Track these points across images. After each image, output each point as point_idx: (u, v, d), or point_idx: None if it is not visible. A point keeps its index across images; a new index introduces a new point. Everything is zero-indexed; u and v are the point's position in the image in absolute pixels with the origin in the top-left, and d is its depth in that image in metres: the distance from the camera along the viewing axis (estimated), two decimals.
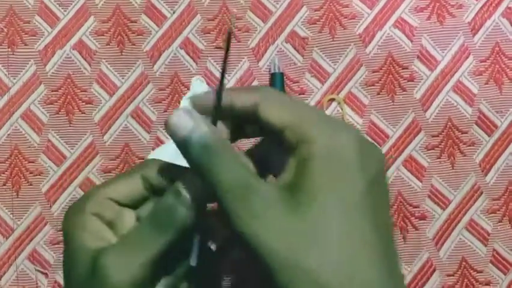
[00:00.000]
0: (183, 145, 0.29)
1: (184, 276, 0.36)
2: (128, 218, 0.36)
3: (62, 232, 0.35)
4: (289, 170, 0.29)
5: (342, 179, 0.28)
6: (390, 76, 0.50)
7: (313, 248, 0.26)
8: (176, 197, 0.31)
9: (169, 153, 0.48)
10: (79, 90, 0.50)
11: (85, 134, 0.50)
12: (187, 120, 0.30)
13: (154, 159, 0.36)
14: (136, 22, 0.51)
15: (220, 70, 0.31)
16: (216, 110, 0.31)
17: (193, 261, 0.31)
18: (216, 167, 0.28)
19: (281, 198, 0.28)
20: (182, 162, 0.45)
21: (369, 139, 0.49)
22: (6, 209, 0.49)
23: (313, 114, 0.30)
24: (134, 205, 0.36)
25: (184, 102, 0.50)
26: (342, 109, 0.50)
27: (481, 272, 0.49)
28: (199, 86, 0.50)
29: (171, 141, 0.47)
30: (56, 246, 0.49)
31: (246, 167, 0.29)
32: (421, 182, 0.49)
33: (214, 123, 0.31)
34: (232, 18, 0.50)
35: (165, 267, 0.32)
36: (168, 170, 0.34)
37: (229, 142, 0.32)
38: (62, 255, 0.35)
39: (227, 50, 0.30)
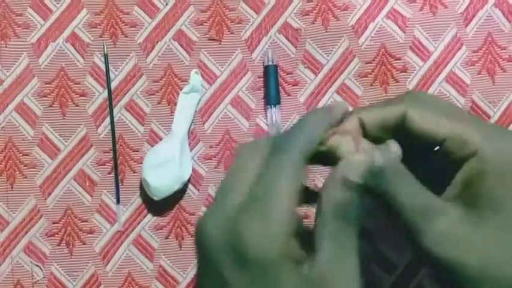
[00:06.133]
0: (369, 177, 0.30)
1: None
2: None
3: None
4: (458, 185, 0.30)
5: None
6: (383, 67, 0.50)
7: (506, 259, 0.27)
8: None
9: (172, 149, 0.48)
10: (72, 83, 0.50)
11: (79, 127, 0.50)
12: (362, 158, 0.30)
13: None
14: (128, 14, 0.51)
15: None
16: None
17: None
18: (401, 191, 0.29)
19: (463, 215, 0.28)
20: (185, 157, 0.46)
21: None
22: (1, 201, 0.49)
23: (476, 123, 0.30)
24: None
25: (182, 97, 0.50)
26: None
27: None
28: (196, 79, 0.50)
29: (170, 137, 0.48)
30: (52, 238, 0.49)
31: (425, 189, 0.30)
32: None
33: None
34: None
35: None
36: None
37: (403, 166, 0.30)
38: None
39: None
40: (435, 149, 0.31)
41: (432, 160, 0.32)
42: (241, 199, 0.29)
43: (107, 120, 0.50)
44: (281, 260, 0.28)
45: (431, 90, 0.50)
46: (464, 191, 0.29)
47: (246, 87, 0.51)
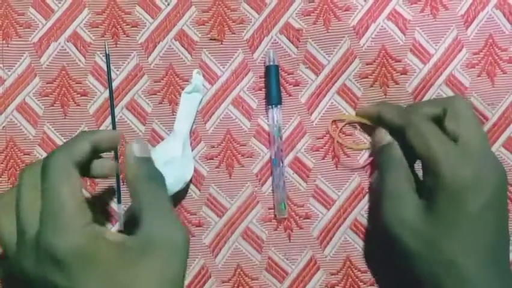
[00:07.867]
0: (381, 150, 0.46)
1: None
2: None
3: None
4: (425, 187, 0.42)
5: (461, 207, 0.40)
6: (384, 69, 0.50)
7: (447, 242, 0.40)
8: None
9: (174, 149, 0.48)
10: (73, 82, 0.51)
11: (80, 126, 0.50)
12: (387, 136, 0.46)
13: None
14: (130, 14, 0.51)
15: None
16: None
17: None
18: (389, 174, 0.44)
19: (421, 209, 0.41)
20: (187, 156, 0.49)
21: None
22: None
23: (442, 148, 0.41)
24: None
25: (184, 96, 0.50)
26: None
27: None
28: (198, 79, 0.50)
29: (172, 137, 0.48)
30: None
31: (407, 180, 0.43)
32: None
33: None
34: None
35: None
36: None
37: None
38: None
39: None
40: None
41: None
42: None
43: (109, 119, 0.50)
44: (92, 242, 0.34)
45: (430, 93, 0.50)
46: (427, 191, 0.41)
47: (247, 87, 0.51)
